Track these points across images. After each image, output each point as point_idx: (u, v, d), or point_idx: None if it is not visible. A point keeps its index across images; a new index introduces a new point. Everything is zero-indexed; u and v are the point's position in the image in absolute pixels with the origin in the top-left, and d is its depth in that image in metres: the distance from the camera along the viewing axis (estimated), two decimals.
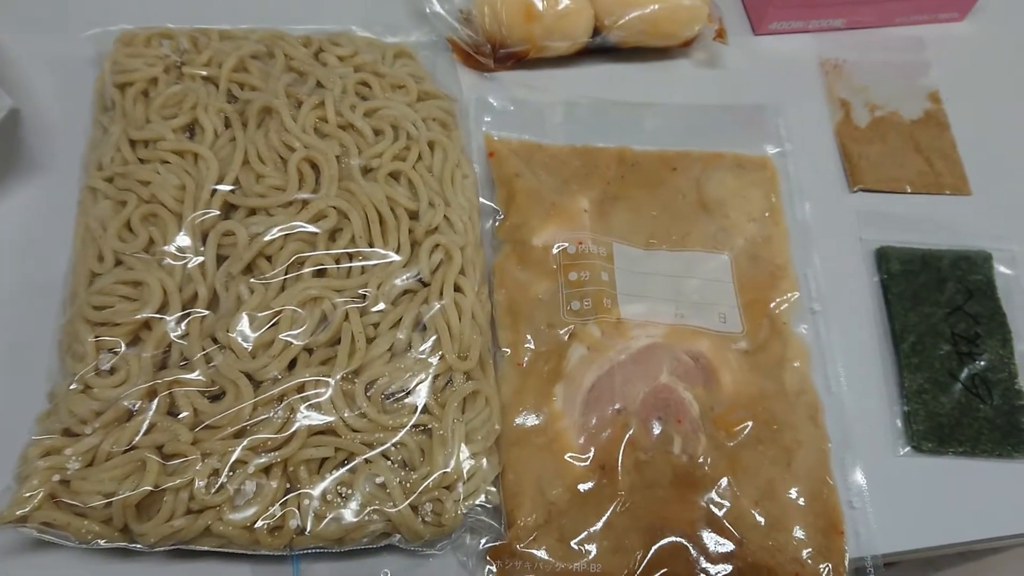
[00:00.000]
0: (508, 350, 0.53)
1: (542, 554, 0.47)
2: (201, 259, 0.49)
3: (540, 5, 0.63)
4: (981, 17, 0.75)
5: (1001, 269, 0.60)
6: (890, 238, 0.62)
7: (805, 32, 0.73)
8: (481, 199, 0.58)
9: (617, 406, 0.51)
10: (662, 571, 0.47)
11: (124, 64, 0.56)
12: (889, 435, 0.55)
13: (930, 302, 0.58)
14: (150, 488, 0.43)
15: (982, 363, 0.56)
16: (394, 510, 0.45)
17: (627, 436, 0.50)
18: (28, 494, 0.43)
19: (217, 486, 0.44)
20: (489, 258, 0.57)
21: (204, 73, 0.56)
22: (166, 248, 0.49)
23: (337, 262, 0.51)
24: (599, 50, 0.67)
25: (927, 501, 0.53)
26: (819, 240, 0.61)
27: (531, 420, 0.51)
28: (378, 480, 0.46)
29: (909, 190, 0.65)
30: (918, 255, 0.60)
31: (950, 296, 0.59)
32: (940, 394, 0.55)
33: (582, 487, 0.49)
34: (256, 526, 0.44)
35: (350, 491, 0.45)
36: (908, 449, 0.54)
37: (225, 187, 0.52)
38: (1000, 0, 0.75)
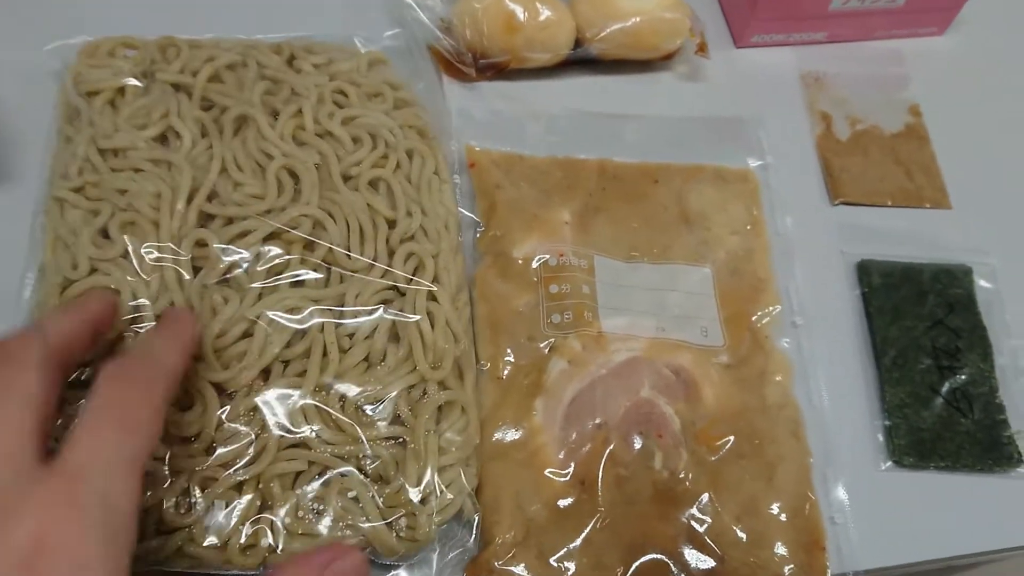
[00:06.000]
0: (488, 363, 0.52)
1: (521, 571, 0.46)
2: (177, 268, 0.48)
3: (521, 16, 0.63)
4: (960, 31, 0.75)
5: (981, 283, 0.60)
6: (871, 251, 0.61)
7: (786, 45, 0.72)
8: (463, 210, 0.58)
9: (598, 420, 0.51)
10: None
11: (87, 75, 0.55)
12: (871, 449, 0.55)
13: (911, 315, 0.58)
14: None
15: (963, 377, 0.56)
16: (367, 525, 0.44)
17: (607, 451, 0.49)
18: None
19: (186, 506, 0.43)
20: (470, 270, 0.56)
21: (175, 81, 0.55)
22: (144, 254, 0.48)
23: (315, 271, 0.50)
24: (581, 62, 0.67)
25: (909, 516, 0.53)
26: (801, 253, 0.61)
27: (511, 435, 0.50)
28: (351, 495, 0.45)
29: (890, 203, 0.65)
30: (899, 268, 0.60)
31: (931, 310, 0.58)
32: (921, 408, 0.55)
33: (562, 503, 0.48)
34: (228, 544, 0.43)
35: (323, 506, 0.45)
36: (890, 464, 0.54)
37: (202, 196, 0.50)
38: (979, 15, 0.75)
